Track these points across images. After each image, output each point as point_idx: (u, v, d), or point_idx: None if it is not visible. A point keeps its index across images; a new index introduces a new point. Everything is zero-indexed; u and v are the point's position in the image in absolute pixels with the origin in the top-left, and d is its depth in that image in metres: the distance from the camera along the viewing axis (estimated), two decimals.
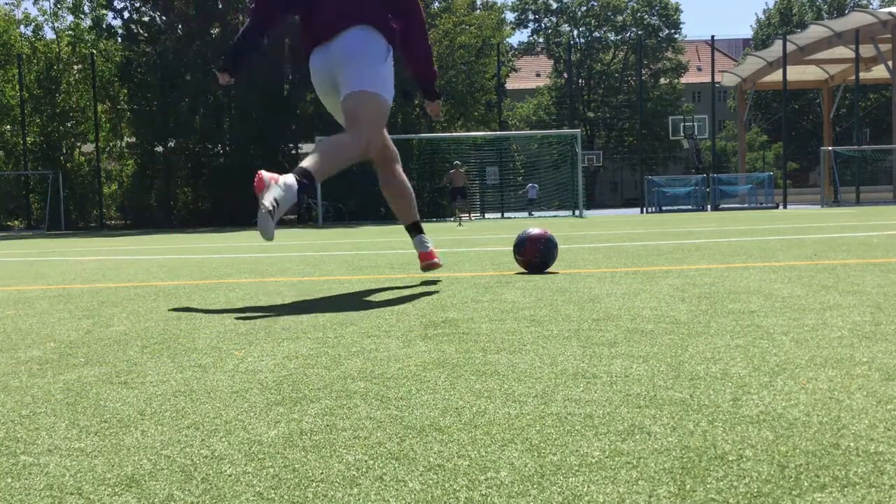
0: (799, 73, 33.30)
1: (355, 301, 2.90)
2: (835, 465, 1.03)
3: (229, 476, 1.07)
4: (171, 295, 3.34)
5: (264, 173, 2.98)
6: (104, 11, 25.90)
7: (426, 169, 25.03)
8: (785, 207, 25.23)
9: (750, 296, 2.67)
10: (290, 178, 3.00)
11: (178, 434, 1.27)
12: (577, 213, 23.07)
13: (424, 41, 3.54)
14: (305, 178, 3.07)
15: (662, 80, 51.83)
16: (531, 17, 53.18)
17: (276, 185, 2.96)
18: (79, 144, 27.22)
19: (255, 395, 1.52)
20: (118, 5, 25.60)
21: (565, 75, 48.32)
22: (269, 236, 2.99)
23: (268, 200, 2.92)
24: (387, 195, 3.77)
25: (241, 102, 24.49)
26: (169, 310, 2.84)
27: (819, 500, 0.92)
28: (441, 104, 3.75)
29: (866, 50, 27.95)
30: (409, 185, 3.80)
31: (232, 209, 23.98)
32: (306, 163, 3.16)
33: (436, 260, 3.74)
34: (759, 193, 27.60)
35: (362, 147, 3.35)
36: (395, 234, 10.66)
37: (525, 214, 26.91)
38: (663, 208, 25.61)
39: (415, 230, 3.78)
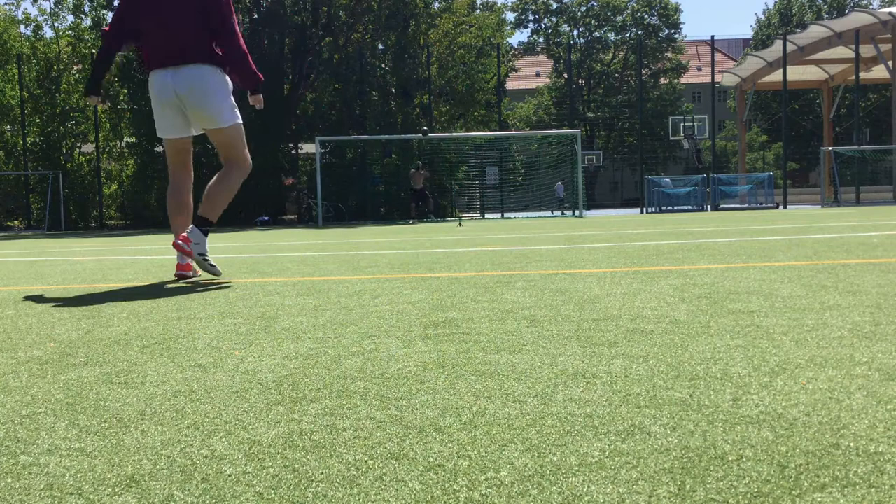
0: (799, 73, 33.30)
1: (355, 301, 2.90)
2: (835, 465, 1.03)
3: (229, 476, 1.07)
4: (171, 295, 3.34)
5: (178, 242, 3.81)
6: (104, 11, 25.87)
7: (426, 169, 25.00)
8: (785, 207, 25.23)
9: (750, 296, 2.67)
10: (193, 229, 3.88)
11: (178, 434, 1.27)
12: (576, 212, 23.06)
13: (239, 54, 4.02)
14: (205, 225, 3.92)
15: (662, 80, 51.85)
16: (531, 17, 53.20)
17: (193, 242, 3.82)
18: (79, 144, 27.17)
19: (255, 395, 1.52)
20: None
21: (565, 75, 48.35)
22: (218, 272, 3.99)
23: (197, 253, 3.83)
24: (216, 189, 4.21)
25: (241, 102, 24.45)
26: (169, 310, 2.84)
27: (819, 500, 0.92)
28: (261, 97, 4.36)
29: (866, 50, 27.95)
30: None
31: (231, 209, 23.91)
32: (204, 212, 3.96)
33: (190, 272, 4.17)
34: (759, 193, 27.57)
35: (248, 168, 4.18)
36: (395, 234, 10.66)
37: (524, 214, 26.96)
38: (663, 208, 25.62)
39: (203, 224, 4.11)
